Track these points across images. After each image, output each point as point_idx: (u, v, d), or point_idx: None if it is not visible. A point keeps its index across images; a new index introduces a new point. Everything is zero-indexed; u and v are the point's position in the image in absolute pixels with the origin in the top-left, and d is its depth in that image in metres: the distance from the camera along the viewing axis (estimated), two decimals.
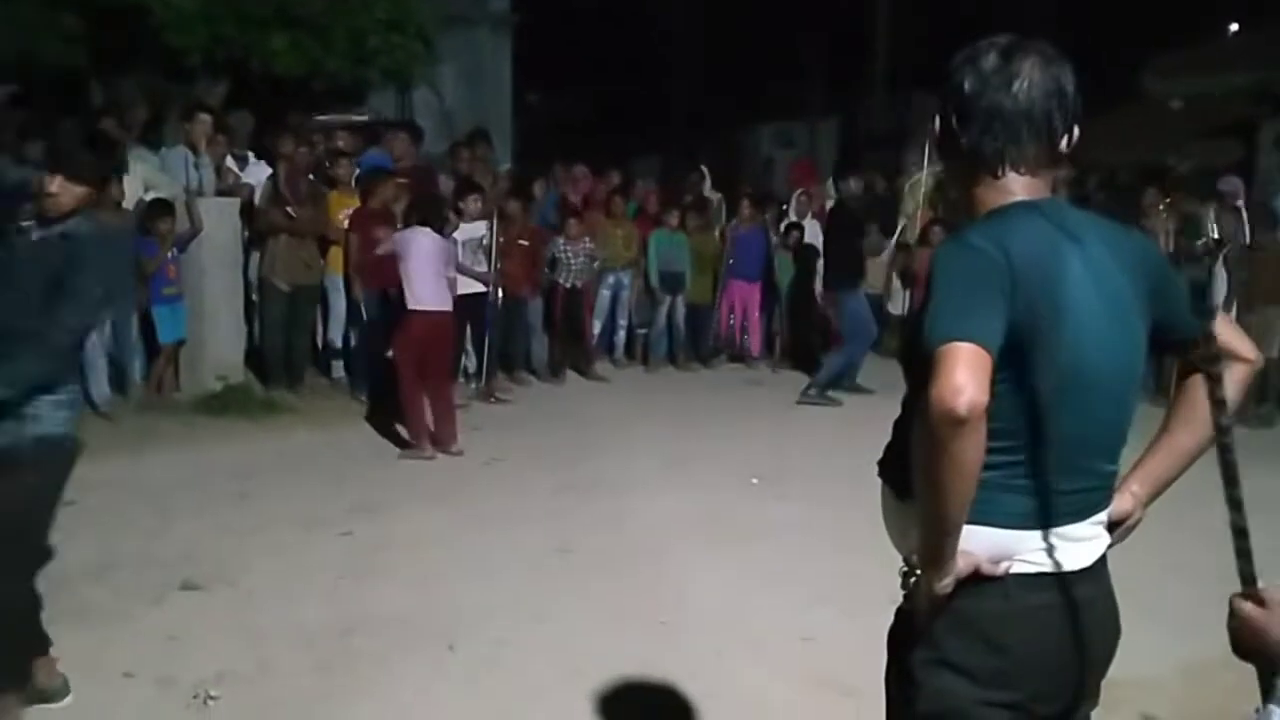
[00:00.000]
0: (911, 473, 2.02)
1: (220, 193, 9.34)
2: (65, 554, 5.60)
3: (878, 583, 5.34)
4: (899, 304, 12.22)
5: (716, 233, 11.89)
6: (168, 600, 5.16)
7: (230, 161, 9.72)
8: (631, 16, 21.08)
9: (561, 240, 10.62)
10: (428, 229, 7.90)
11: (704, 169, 13.09)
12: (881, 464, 2.29)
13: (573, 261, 10.65)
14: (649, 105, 21.90)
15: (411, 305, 7.83)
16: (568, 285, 10.71)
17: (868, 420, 9.72)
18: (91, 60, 10.49)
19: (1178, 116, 16.29)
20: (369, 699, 4.22)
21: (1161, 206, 10.96)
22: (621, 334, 11.60)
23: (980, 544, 2.09)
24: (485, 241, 9.69)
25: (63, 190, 3.73)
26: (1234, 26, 20.66)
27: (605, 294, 11.33)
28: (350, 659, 4.56)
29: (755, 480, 7.30)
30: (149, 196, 8.87)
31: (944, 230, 10.90)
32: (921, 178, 12.12)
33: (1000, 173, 2.13)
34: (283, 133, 9.91)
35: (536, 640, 4.79)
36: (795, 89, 21.13)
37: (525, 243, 10.22)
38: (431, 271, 7.81)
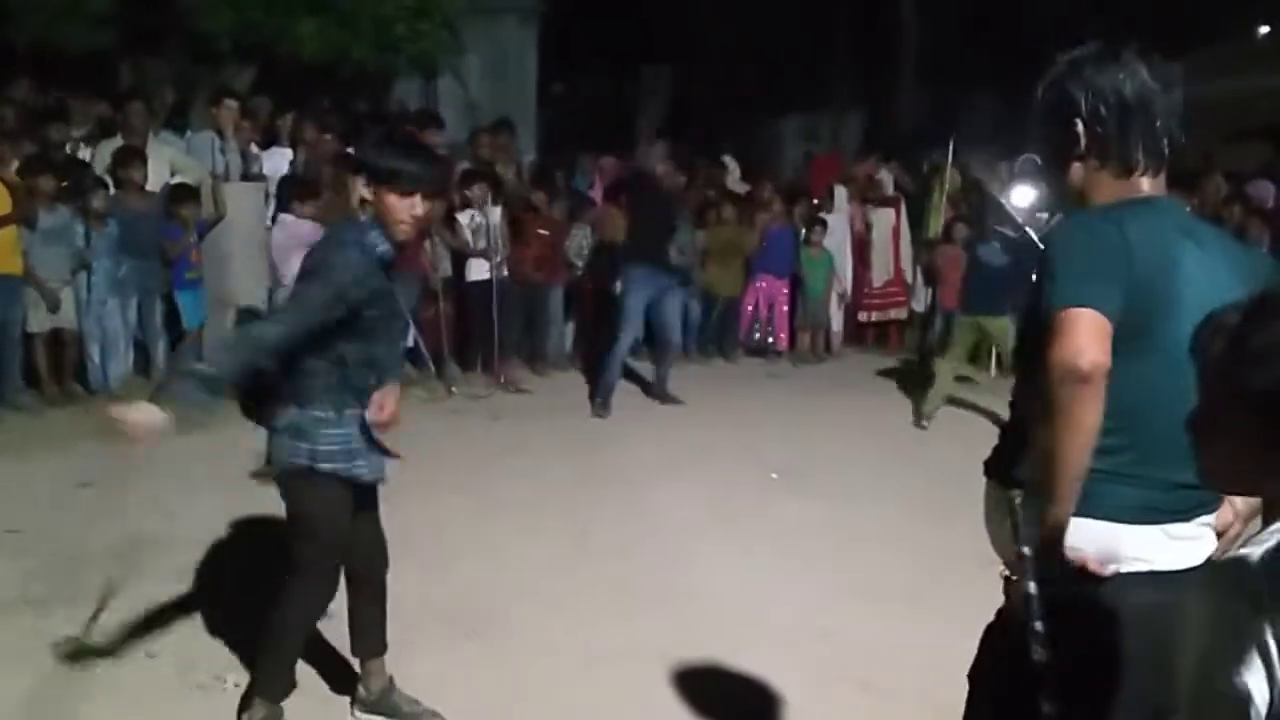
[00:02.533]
0: (1027, 451, 2.07)
1: (245, 178, 9.38)
2: (87, 534, 5.68)
3: (897, 578, 5.38)
4: (920, 301, 12.19)
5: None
6: (189, 581, 5.19)
7: (254, 148, 9.76)
8: (656, 6, 21.02)
9: (573, 229, 10.61)
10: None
11: (731, 160, 13.05)
12: (987, 464, 2.32)
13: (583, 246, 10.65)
14: (672, 96, 21.85)
15: None
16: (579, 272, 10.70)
17: (889, 417, 9.67)
18: (120, 43, 10.55)
19: (1206, 118, 16.18)
20: None
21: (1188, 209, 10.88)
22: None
23: (1089, 537, 2.09)
24: (476, 226, 9.67)
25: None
26: (1264, 29, 20.48)
27: None
28: None
29: (775, 475, 7.29)
30: (174, 180, 8.92)
31: (966, 227, 10.86)
32: (948, 173, 12.04)
33: (1138, 172, 2.21)
34: (306, 119, 9.95)
35: (554, 628, 4.80)
36: (821, 81, 21.05)
37: (545, 232, 10.22)
38: None
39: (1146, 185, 2.21)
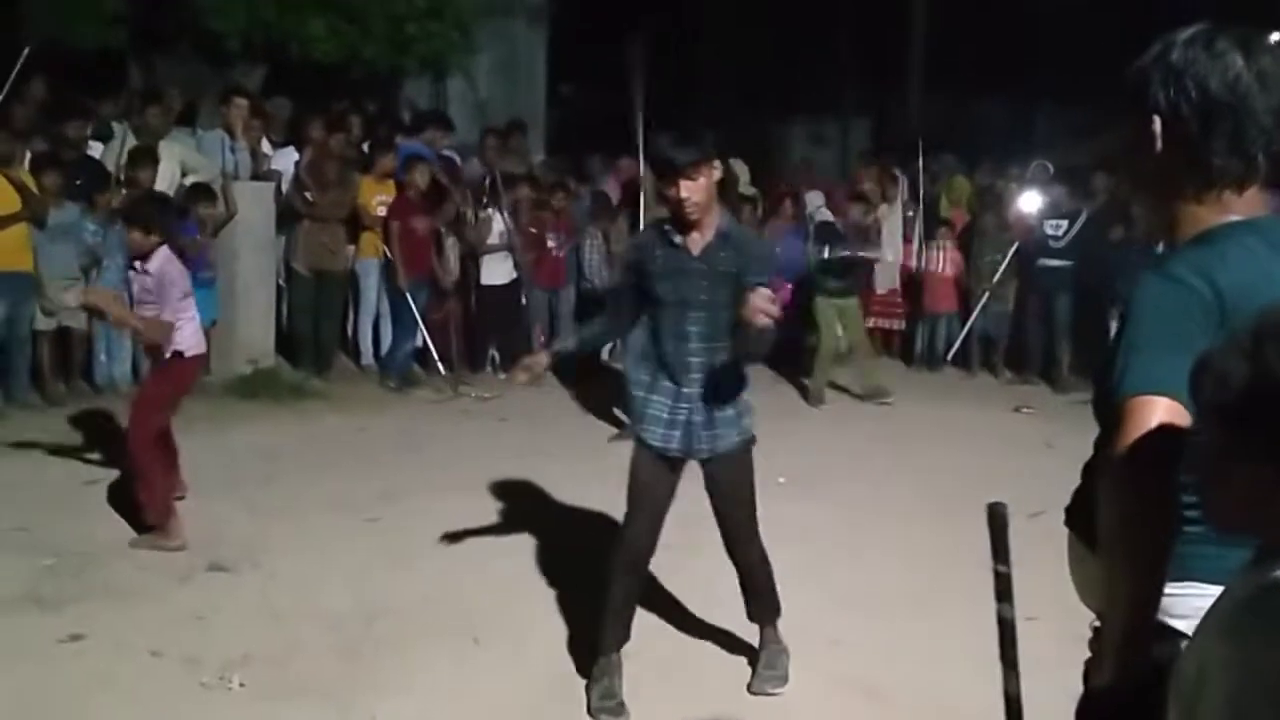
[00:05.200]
0: (1097, 529, 1.85)
1: (255, 177, 9.39)
2: (95, 532, 5.68)
3: (905, 587, 5.37)
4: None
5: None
6: (195, 580, 5.20)
7: (266, 146, 9.78)
8: (665, 8, 20.98)
9: (588, 240, 10.69)
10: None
11: (740, 164, 13.03)
12: (1069, 511, 2.09)
13: (592, 257, 10.68)
14: (681, 98, 21.82)
15: (181, 347, 5.72)
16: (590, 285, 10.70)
17: (899, 425, 9.62)
18: (131, 43, 10.56)
19: None
20: (393, 686, 4.23)
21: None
22: None
23: (1181, 600, 1.89)
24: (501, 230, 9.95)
25: None
26: (1275, 37, 20.45)
27: None
28: (374, 645, 4.58)
29: (782, 480, 7.25)
30: (187, 180, 8.93)
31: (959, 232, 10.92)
32: (959, 180, 12.01)
33: (1230, 188, 1.91)
34: (313, 118, 9.96)
35: (559, 633, 4.79)
36: (828, 85, 21.01)
37: (535, 230, 10.29)
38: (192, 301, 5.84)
39: (1236, 201, 1.91)
